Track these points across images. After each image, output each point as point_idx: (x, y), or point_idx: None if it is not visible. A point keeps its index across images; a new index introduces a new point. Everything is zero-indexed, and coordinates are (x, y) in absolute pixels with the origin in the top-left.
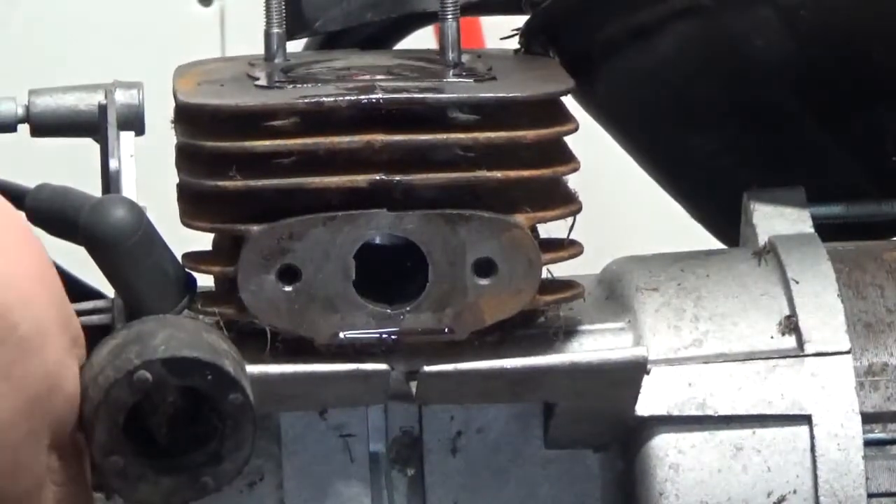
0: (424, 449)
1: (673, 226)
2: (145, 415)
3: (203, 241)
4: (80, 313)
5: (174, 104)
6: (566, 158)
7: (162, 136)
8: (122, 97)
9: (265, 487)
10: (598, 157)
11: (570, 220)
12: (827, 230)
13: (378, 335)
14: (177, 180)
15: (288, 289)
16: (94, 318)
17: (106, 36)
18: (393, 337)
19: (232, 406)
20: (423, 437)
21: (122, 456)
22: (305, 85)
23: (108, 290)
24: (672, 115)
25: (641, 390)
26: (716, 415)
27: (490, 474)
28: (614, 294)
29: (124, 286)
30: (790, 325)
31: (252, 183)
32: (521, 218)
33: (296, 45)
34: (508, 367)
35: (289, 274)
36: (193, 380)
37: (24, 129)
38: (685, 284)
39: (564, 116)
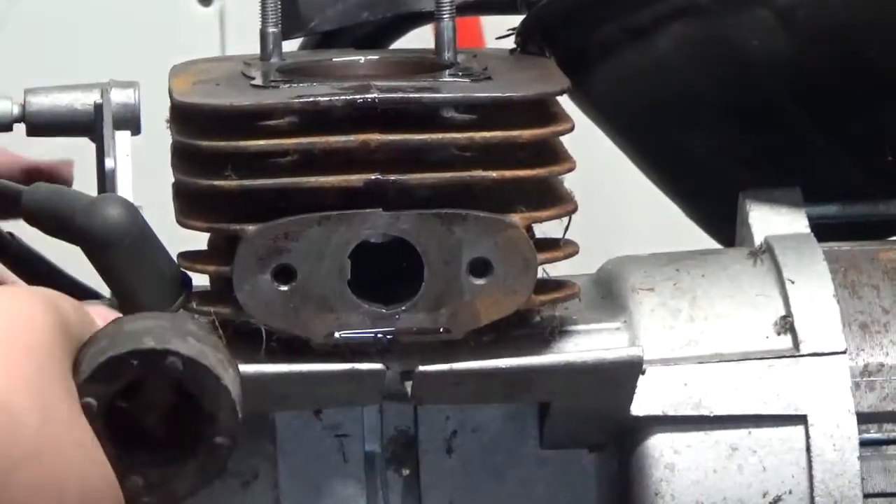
0: (420, 449)
1: (669, 225)
2: (136, 419)
3: (199, 240)
4: None
5: (170, 103)
6: (562, 158)
7: (159, 135)
8: (118, 96)
9: (260, 487)
10: (594, 156)
11: (565, 219)
12: (823, 230)
13: (373, 335)
14: (172, 180)
15: (283, 288)
16: None
17: (106, 36)
18: (388, 337)
19: (173, 370)
20: (419, 437)
21: (139, 476)
22: (301, 84)
23: (106, 291)
24: (668, 114)
25: (637, 390)
26: (711, 415)
27: (485, 474)
28: (610, 294)
29: (120, 286)
30: (786, 325)
31: (247, 182)
32: (516, 218)
33: (291, 45)
34: (504, 366)
35: (284, 274)
36: (125, 375)
37: (20, 128)
38: (681, 284)
39: (560, 116)
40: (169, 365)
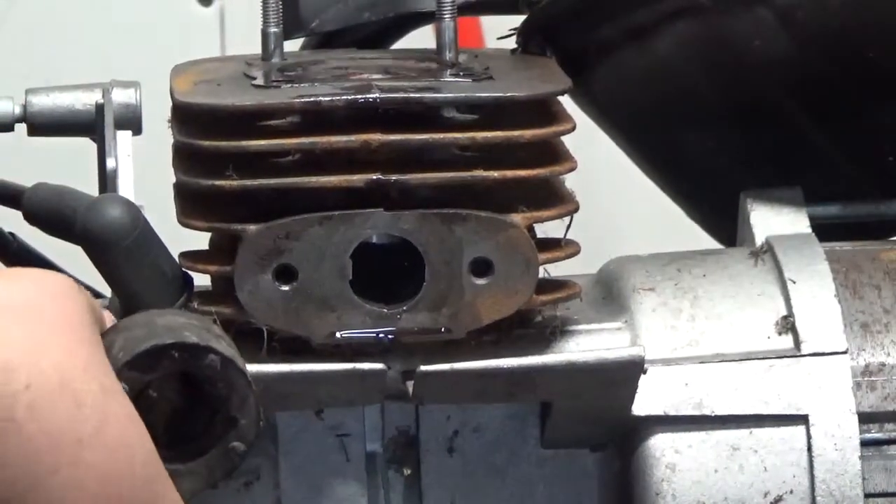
0: (421, 448)
1: (670, 225)
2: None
3: (200, 240)
4: None
5: (171, 103)
6: (563, 158)
7: (160, 135)
8: (119, 96)
9: (261, 487)
10: (595, 156)
11: (566, 219)
12: (824, 230)
13: (375, 335)
14: (174, 180)
15: (285, 288)
16: None
17: (106, 36)
18: (389, 336)
19: (212, 368)
20: (420, 437)
21: None
22: (302, 84)
23: (106, 290)
24: (669, 114)
25: (638, 390)
26: (712, 415)
27: (487, 474)
28: (611, 294)
29: (121, 286)
30: (787, 324)
31: (248, 182)
32: (517, 218)
33: (292, 45)
34: (505, 366)
35: (285, 273)
36: (164, 366)
37: (21, 128)
38: (682, 284)
39: (561, 116)
40: (209, 363)
